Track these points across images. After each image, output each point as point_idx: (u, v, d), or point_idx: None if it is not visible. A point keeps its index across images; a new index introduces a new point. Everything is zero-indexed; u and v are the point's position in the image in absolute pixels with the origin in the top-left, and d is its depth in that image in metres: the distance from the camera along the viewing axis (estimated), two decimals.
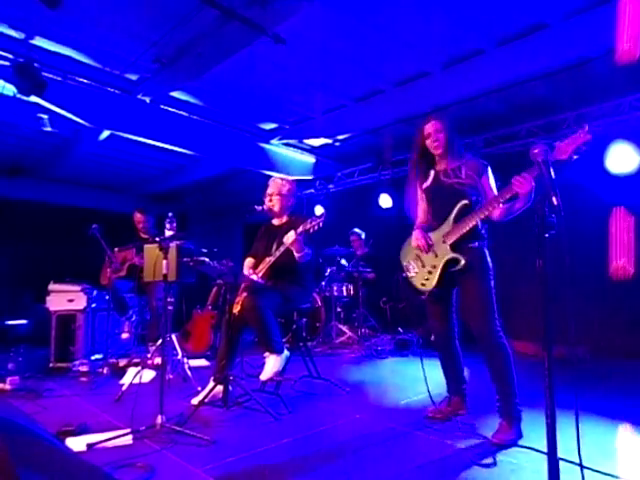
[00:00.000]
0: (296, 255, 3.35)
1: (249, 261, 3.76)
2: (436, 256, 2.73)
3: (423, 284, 2.79)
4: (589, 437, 2.37)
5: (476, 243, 2.67)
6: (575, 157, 2.08)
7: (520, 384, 2.55)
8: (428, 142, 2.81)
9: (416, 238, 2.82)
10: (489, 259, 2.68)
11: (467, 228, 2.59)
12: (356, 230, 6.76)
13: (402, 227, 6.80)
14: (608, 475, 2.00)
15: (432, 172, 2.86)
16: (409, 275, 2.90)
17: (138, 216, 5.37)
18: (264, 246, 3.68)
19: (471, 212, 2.60)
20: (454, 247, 2.65)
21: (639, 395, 3.45)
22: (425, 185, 2.89)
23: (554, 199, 1.72)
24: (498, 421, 2.51)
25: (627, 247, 4.71)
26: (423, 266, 2.80)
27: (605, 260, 5.00)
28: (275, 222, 3.80)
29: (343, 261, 6.46)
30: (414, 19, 3.94)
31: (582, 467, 1.74)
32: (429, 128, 2.79)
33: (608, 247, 4.84)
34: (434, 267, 2.73)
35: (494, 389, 2.57)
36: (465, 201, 2.65)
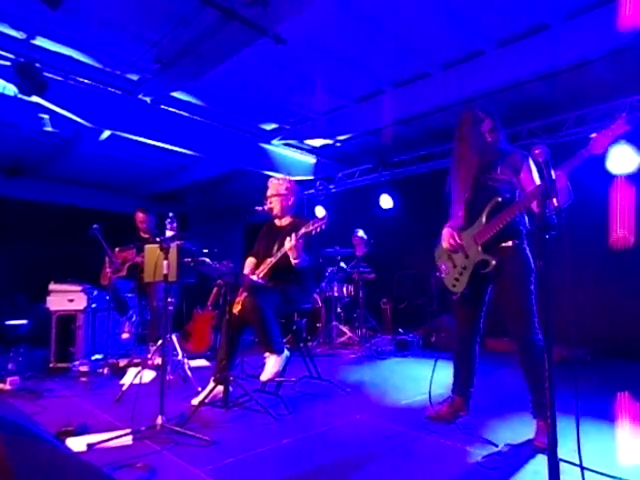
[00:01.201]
0: (292, 261, 3.35)
1: (250, 261, 3.76)
2: (467, 257, 2.63)
3: (454, 285, 2.70)
4: (589, 438, 2.37)
5: (510, 242, 2.54)
6: (610, 150, 2.00)
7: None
8: (481, 141, 2.63)
9: (444, 238, 2.72)
10: (530, 258, 2.54)
11: (499, 227, 2.45)
12: (359, 231, 6.77)
13: (402, 228, 6.85)
14: (608, 476, 2.00)
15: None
16: (442, 276, 2.81)
17: (140, 215, 5.38)
18: (265, 246, 3.68)
19: (504, 210, 2.45)
20: (486, 247, 2.54)
21: (639, 396, 3.45)
22: (470, 179, 2.71)
23: (554, 200, 1.72)
24: (534, 423, 2.47)
25: (628, 217, 4.68)
26: (454, 267, 2.70)
27: (607, 261, 5.00)
28: (277, 222, 3.80)
29: (342, 264, 6.46)
30: (415, 20, 3.94)
31: (582, 468, 1.74)
32: (484, 128, 2.61)
33: (608, 219, 4.80)
34: (464, 268, 2.64)
35: (527, 389, 2.50)
36: (498, 198, 2.52)
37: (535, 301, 2.47)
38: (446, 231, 2.74)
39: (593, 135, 2.01)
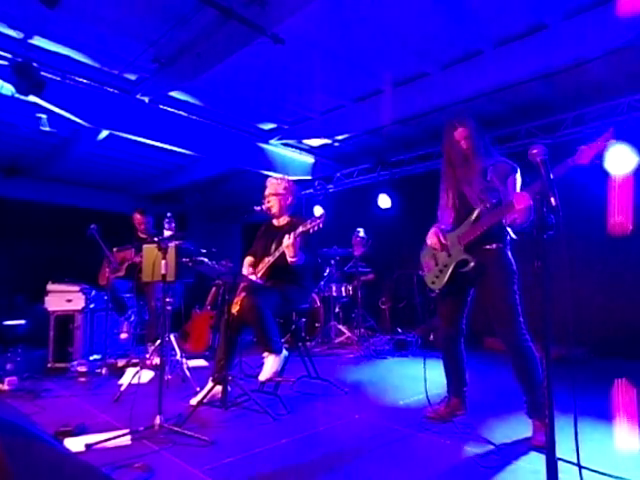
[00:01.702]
0: (289, 259, 3.35)
1: (249, 260, 3.76)
2: (449, 256, 2.73)
3: (433, 282, 2.80)
4: (587, 437, 2.38)
5: (494, 245, 2.63)
6: (597, 162, 2.08)
7: (515, 383, 2.56)
8: (456, 148, 2.75)
9: (429, 236, 2.81)
10: (512, 261, 2.63)
11: (481, 230, 2.56)
12: (361, 231, 6.77)
13: (401, 227, 6.84)
14: (606, 475, 2.00)
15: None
16: (424, 273, 2.91)
17: (138, 217, 5.37)
18: (263, 246, 3.68)
19: (487, 214, 2.56)
20: (469, 248, 2.64)
21: (637, 395, 3.45)
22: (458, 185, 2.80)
23: (552, 199, 1.72)
24: (530, 422, 2.49)
25: (625, 205, 4.69)
26: (436, 265, 2.81)
27: (606, 260, 5.02)
28: (275, 222, 3.80)
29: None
30: (413, 19, 3.94)
31: (580, 467, 1.75)
32: (458, 136, 2.72)
33: (607, 206, 4.81)
34: (445, 266, 2.73)
35: (520, 390, 2.54)
36: (486, 204, 2.61)
37: (519, 301, 2.55)
38: (432, 230, 2.82)
39: (582, 147, 2.09)
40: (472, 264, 2.61)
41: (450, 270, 2.70)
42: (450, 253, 2.72)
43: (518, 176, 2.65)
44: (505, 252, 2.66)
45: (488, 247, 2.63)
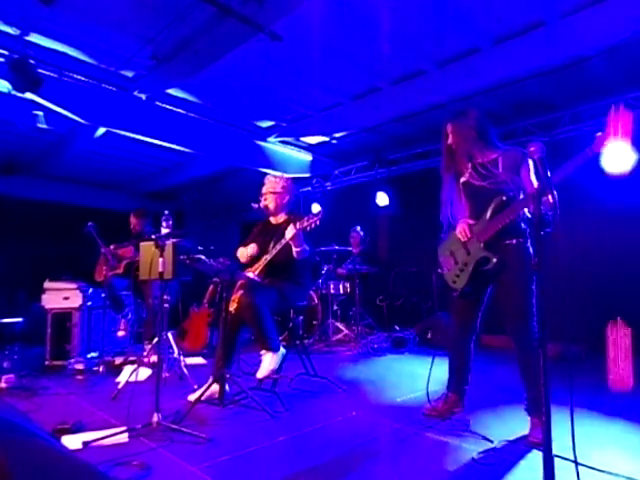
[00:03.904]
0: (294, 250, 3.33)
1: (243, 250, 3.73)
2: (468, 254, 2.65)
3: (454, 281, 2.74)
4: (584, 434, 2.38)
5: (514, 240, 2.57)
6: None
7: (516, 382, 2.57)
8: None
9: (460, 226, 2.70)
10: (533, 257, 2.60)
11: (500, 225, 2.49)
12: (358, 228, 6.77)
13: (398, 225, 6.83)
14: (602, 472, 2.01)
15: (469, 165, 2.75)
16: (443, 272, 2.85)
17: (132, 220, 5.37)
18: (261, 243, 3.67)
19: (507, 208, 2.49)
20: (488, 245, 2.57)
21: (634, 392, 3.47)
22: (462, 180, 2.78)
23: (550, 197, 1.73)
24: (528, 419, 2.50)
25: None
26: (456, 263, 2.73)
27: (602, 258, 5.03)
28: (272, 220, 3.79)
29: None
30: (410, 17, 3.93)
31: (577, 464, 1.75)
32: (446, 130, 2.79)
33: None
34: (465, 265, 2.66)
35: (522, 387, 2.55)
36: (502, 197, 2.55)
37: (535, 301, 2.49)
38: (463, 221, 2.72)
39: (599, 134, 2.05)
40: (494, 260, 2.53)
41: (471, 269, 2.63)
42: (469, 251, 2.65)
43: (531, 163, 2.55)
44: (526, 247, 2.59)
45: (508, 242, 2.57)
